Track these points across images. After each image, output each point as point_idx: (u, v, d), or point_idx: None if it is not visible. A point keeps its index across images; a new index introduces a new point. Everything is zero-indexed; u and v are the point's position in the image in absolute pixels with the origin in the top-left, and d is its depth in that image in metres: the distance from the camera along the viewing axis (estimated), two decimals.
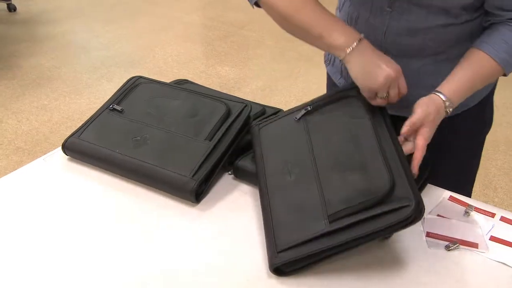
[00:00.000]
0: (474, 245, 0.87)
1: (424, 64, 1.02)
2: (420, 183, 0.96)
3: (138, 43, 3.93)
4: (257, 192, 0.98)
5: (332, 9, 1.13)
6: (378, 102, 0.91)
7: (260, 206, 0.92)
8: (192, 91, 1.12)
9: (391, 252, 0.85)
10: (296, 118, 0.99)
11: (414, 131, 0.90)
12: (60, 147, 1.07)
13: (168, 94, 1.11)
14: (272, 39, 3.94)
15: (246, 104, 1.07)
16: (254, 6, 1.01)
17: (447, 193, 0.99)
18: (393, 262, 0.83)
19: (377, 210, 0.76)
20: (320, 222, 0.79)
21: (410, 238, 0.88)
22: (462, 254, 0.85)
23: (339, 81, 1.19)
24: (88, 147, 1.04)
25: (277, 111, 1.16)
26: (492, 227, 0.91)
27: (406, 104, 1.12)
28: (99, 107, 1.12)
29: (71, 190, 0.99)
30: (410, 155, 0.98)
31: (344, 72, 1.14)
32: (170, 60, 3.66)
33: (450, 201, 0.97)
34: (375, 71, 0.88)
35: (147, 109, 1.08)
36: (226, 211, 0.94)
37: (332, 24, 0.91)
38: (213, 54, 3.79)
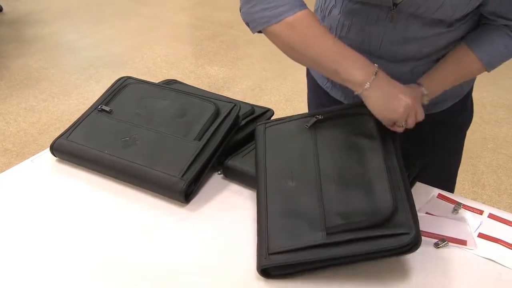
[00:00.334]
0: (462, 242, 0.87)
1: (417, 66, 1.03)
2: (409, 181, 0.96)
3: (126, 44, 3.91)
4: (247, 192, 0.98)
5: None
6: (396, 129, 0.91)
7: (250, 206, 0.92)
8: (180, 91, 1.11)
9: None
10: (306, 126, 0.98)
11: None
12: (48, 149, 1.06)
13: (157, 95, 1.11)
14: (261, 39, 3.93)
15: (235, 103, 1.07)
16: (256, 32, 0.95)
17: (436, 191, 1.00)
18: (381, 260, 0.83)
19: (376, 232, 0.76)
20: (317, 232, 0.79)
21: None
22: (451, 251, 0.86)
23: (326, 86, 1.18)
24: (76, 148, 1.03)
25: (267, 110, 1.16)
26: (480, 224, 0.92)
27: None
28: (87, 108, 1.11)
29: (60, 191, 0.98)
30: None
31: None
32: (159, 60, 3.65)
33: (438, 199, 0.98)
34: (393, 104, 0.87)
35: (136, 110, 1.08)
36: (216, 211, 0.94)
37: (347, 58, 0.88)
38: (202, 54, 3.78)
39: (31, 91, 3.17)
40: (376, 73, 0.87)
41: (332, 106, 1.03)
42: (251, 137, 1.08)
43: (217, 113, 1.05)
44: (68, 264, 0.82)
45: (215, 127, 1.02)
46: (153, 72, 3.46)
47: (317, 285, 0.78)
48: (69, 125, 1.08)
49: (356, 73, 0.87)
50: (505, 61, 1.00)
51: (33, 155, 1.09)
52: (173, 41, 4.00)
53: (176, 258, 0.83)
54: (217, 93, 1.19)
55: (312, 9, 1.13)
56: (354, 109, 0.97)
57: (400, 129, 0.91)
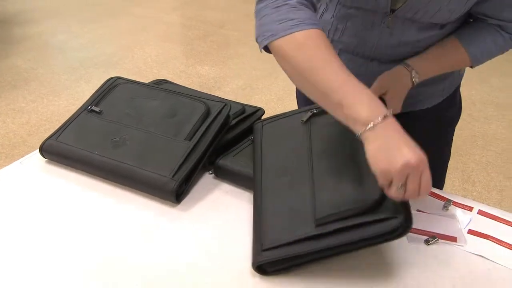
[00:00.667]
0: (452, 238, 0.88)
1: None
2: None
3: (117, 44, 3.89)
4: (238, 191, 0.98)
5: None
6: (392, 193, 0.74)
7: (241, 205, 0.92)
8: (171, 91, 1.11)
9: (371, 248, 0.86)
10: (302, 120, 0.99)
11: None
12: (38, 150, 1.05)
13: (147, 95, 1.11)
14: (252, 38, 3.94)
15: (225, 103, 1.07)
16: (263, 50, 0.87)
17: None
18: (373, 257, 0.84)
19: (364, 219, 0.76)
20: (308, 225, 0.79)
21: None
22: (441, 248, 0.86)
23: None
24: (66, 149, 1.02)
25: (257, 110, 1.16)
26: (470, 221, 0.92)
27: None
28: (77, 109, 1.11)
29: (50, 193, 0.98)
30: None
31: None
32: (149, 60, 3.64)
33: (429, 196, 0.99)
34: (393, 154, 0.71)
35: (126, 110, 1.08)
36: (207, 211, 0.94)
37: (356, 92, 0.75)
38: (193, 54, 3.78)
39: (20, 92, 3.14)
40: (385, 116, 0.73)
41: None
42: (242, 136, 1.08)
43: (207, 113, 1.05)
44: (59, 265, 0.81)
45: (205, 126, 1.02)
46: (144, 72, 3.45)
47: (311, 281, 0.79)
48: (58, 126, 1.08)
49: (363, 109, 0.74)
50: (492, 58, 1.01)
51: (23, 156, 1.08)
52: (164, 41, 3.99)
53: (168, 258, 0.83)
54: (208, 92, 1.19)
55: None
56: None
57: (397, 196, 0.73)
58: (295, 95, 1.34)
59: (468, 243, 0.87)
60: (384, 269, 0.82)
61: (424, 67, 0.97)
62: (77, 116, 1.09)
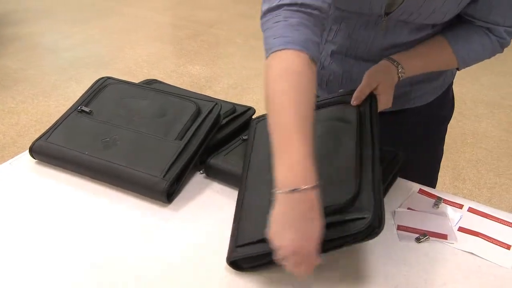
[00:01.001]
0: (443, 236, 0.88)
1: None
2: (390, 177, 0.97)
3: (107, 44, 3.88)
4: (229, 191, 0.98)
5: None
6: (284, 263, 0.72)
7: (233, 205, 0.92)
8: (161, 91, 1.11)
9: (362, 245, 0.86)
10: None
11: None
12: (28, 151, 1.05)
13: (137, 95, 1.10)
14: (242, 38, 3.94)
15: (216, 102, 1.07)
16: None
17: (417, 186, 1.01)
18: (364, 255, 0.84)
19: (333, 219, 0.74)
20: None
21: (382, 231, 0.89)
22: (432, 246, 0.87)
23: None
24: (56, 149, 1.02)
25: (248, 109, 1.16)
26: (460, 218, 0.93)
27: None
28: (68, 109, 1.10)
29: (40, 194, 0.97)
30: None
31: (317, 76, 1.15)
32: (140, 60, 3.63)
33: (419, 194, 0.99)
34: (280, 231, 0.69)
35: (116, 110, 1.07)
36: (199, 210, 0.94)
37: (289, 152, 0.69)
38: (183, 54, 3.77)
39: (10, 92, 3.12)
40: (295, 190, 0.67)
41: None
42: (232, 135, 1.08)
43: (198, 113, 1.04)
44: (50, 266, 0.81)
45: (196, 126, 1.02)
46: (135, 72, 3.44)
47: (302, 279, 0.79)
48: (48, 127, 1.07)
49: (281, 171, 0.69)
50: (479, 61, 1.01)
51: (12, 157, 1.08)
52: (155, 40, 3.97)
53: (159, 257, 0.83)
54: (199, 92, 1.19)
55: None
56: (339, 97, 0.98)
57: (287, 267, 0.71)
58: None
59: (459, 240, 0.88)
60: (375, 267, 0.82)
61: (410, 64, 0.97)
62: (67, 117, 1.08)
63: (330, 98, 0.99)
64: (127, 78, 1.22)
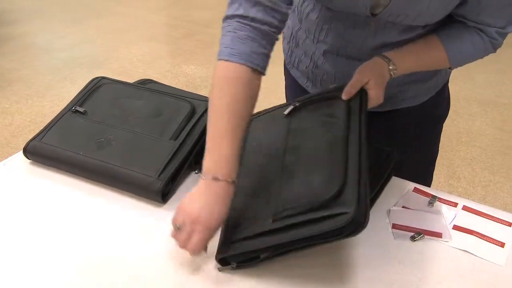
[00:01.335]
0: (438, 234, 0.89)
1: None
2: (384, 176, 0.98)
3: (102, 44, 3.87)
4: None
5: None
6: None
7: None
8: (155, 91, 1.11)
9: (358, 244, 0.86)
10: (284, 114, 0.98)
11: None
12: (21, 151, 1.04)
13: (132, 94, 1.10)
14: None
15: None
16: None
17: (412, 185, 1.01)
18: (360, 253, 0.84)
19: (316, 214, 0.73)
20: (267, 220, 0.78)
21: (376, 230, 0.89)
22: (427, 244, 0.87)
23: (306, 85, 1.19)
24: (50, 150, 1.01)
25: None
26: (455, 217, 0.93)
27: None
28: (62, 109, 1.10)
29: (34, 194, 0.97)
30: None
31: (311, 75, 1.15)
32: (135, 60, 3.62)
33: (414, 193, 0.99)
34: (186, 203, 0.80)
35: (111, 110, 1.07)
36: None
37: (216, 147, 0.81)
38: (179, 53, 3.76)
39: (4, 92, 3.11)
40: (215, 178, 0.79)
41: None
42: None
43: (192, 112, 1.04)
44: (45, 266, 0.81)
45: (191, 126, 1.02)
46: (130, 72, 3.43)
47: (297, 276, 0.79)
48: (43, 127, 1.07)
49: (208, 161, 0.81)
50: (472, 60, 1.01)
51: (6, 158, 1.07)
52: (150, 40, 3.97)
53: (155, 257, 0.83)
54: (194, 92, 1.19)
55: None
56: (329, 93, 0.97)
57: (179, 237, 0.79)
58: (283, 93, 1.34)
59: (453, 238, 0.88)
60: (370, 265, 0.82)
61: (402, 61, 0.97)
62: (61, 117, 1.08)
63: (321, 94, 0.99)
64: (121, 78, 1.22)
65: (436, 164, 1.29)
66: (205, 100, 1.08)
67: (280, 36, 0.92)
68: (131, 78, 3.20)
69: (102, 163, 0.97)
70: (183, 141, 0.99)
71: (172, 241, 0.86)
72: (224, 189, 0.79)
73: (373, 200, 0.94)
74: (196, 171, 1.03)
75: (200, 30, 4.19)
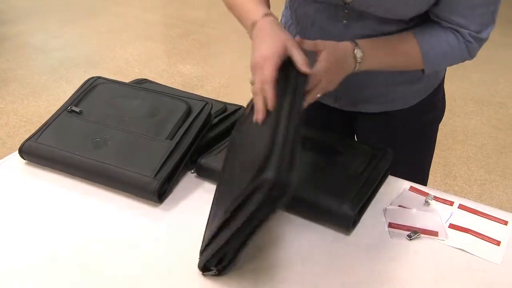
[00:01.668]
0: (434, 233, 0.89)
1: None
2: (380, 175, 0.98)
3: (97, 43, 3.86)
4: None
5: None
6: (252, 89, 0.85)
7: None
8: (151, 91, 1.11)
9: (354, 243, 0.86)
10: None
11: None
12: (17, 152, 1.04)
13: (128, 94, 1.10)
14: (234, 36, 3.94)
15: (206, 102, 1.07)
16: None
17: (408, 184, 1.01)
18: (356, 253, 0.84)
19: (247, 191, 0.68)
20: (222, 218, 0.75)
21: (373, 229, 0.89)
22: (423, 243, 0.87)
23: None
24: (46, 150, 1.01)
25: (239, 108, 1.16)
26: (451, 215, 0.93)
27: (363, 99, 1.14)
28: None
29: (30, 195, 0.96)
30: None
31: None
32: (131, 59, 3.61)
33: (410, 192, 0.99)
34: (252, 55, 0.85)
35: (107, 110, 1.07)
36: (190, 210, 0.94)
37: (247, 6, 0.92)
38: (175, 53, 3.76)
39: None
40: (265, 15, 0.88)
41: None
42: (223, 135, 1.08)
43: (188, 112, 1.04)
44: (40, 266, 0.80)
45: (187, 125, 1.02)
46: (125, 71, 3.43)
47: (290, 271, 0.79)
48: (38, 127, 1.06)
49: (248, 18, 0.91)
50: (446, 63, 0.99)
51: (1, 158, 1.07)
52: (145, 40, 3.96)
53: (152, 257, 0.83)
54: (190, 91, 1.19)
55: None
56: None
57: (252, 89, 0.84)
58: None
59: (449, 237, 0.88)
60: (366, 264, 0.82)
61: (370, 48, 0.93)
62: (57, 117, 1.08)
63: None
64: (118, 77, 1.22)
65: (432, 163, 1.29)
66: (201, 99, 1.08)
67: None
68: (127, 77, 3.19)
69: (98, 163, 0.97)
70: (179, 140, 0.99)
71: (170, 241, 0.86)
72: (270, 18, 0.87)
73: (369, 199, 0.95)
74: (192, 171, 1.03)
75: (196, 29, 4.18)
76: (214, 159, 1.00)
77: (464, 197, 0.99)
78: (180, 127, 1.02)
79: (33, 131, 1.06)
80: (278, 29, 0.86)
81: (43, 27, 4.13)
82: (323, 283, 0.79)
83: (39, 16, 4.34)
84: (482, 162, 2.60)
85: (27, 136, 1.04)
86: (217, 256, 0.77)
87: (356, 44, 0.92)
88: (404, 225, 0.90)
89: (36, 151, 1.02)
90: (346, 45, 0.92)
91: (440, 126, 1.24)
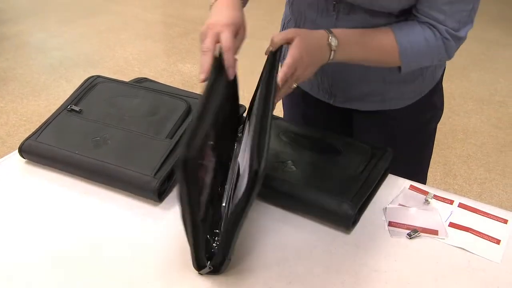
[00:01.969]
0: (434, 232, 0.89)
1: None
2: (380, 173, 0.98)
3: (97, 42, 3.85)
4: None
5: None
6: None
7: None
8: (151, 89, 1.11)
9: (354, 243, 0.86)
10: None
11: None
12: (17, 151, 1.04)
13: (127, 93, 1.10)
14: None
15: None
16: None
17: (408, 183, 1.01)
18: (356, 252, 0.85)
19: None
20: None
21: (373, 228, 0.90)
22: (423, 241, 0.87)
23: None
24: (46, 149, 1.01)
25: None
26: (451, 214, 0.93)
27: (359, 97, 1.14)
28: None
29: (30, 193, 0.96)
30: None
31: None
32: (130, 58, 3.61)
33: (410, 190, 0.99)
34: (208, 19, 0.93)
35: (106, 109, 1.07)
36: None
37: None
38: (174, 52, 3.76)
39: None
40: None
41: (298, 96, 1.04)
42: None
43: (188, 111, 1.04)
44: (40, 266, 0.80)
45: (187, 124, 1.02)
46: (125, 70, 3.42)
47: (291, 269, 0.79)
48: (38, 126, 1.06)
49: None
50: (423, 60, 0.99)
51: (1, 157, 1.07)
52: (145, 39, 3.96)
53: (151, 256, 0.83)
54: (190, 90, 1.18)
55: None
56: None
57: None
58: None
59: (449, 236, 0.88)
60: (367, 262, 0.82)
61: (344, 36, 0.92)
62: (56, 116, 1.07)
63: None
64: (117, 76, 1.22)
65: (432, 162, 1.29)
66: None
67: None
68: (126, 76, 3.19)
69: (98, 162, 0.97)
70: (179, 139, 0.99)
71: (170, 240, 0.86)
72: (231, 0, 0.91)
73: (369, 198, 0.95)
74: None
75: (196, 28, 4.18)
76: None
77: (464, 195, 0.99)
78: (180, 126, 1.02)
79: (33, 130, 1.06)
80: (233, 8, 0.92)
81: (42, 26, 4.13)
82: (323, 282, 0.79)
83: (38, 15, 4.34)
84: (482, 161, 2.60)
85: (27, 135, 1.04)
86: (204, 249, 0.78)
87: (331, 32, 0.91)
88: (404, 224, 0.90)
89: (36, 150, 1.02)
90: (321, 32, 0.91)
91: (440, 125, 1.24)
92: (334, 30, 0.92)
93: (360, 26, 0.97)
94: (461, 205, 0.96)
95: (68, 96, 1.12)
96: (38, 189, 0.98)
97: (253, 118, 0.79)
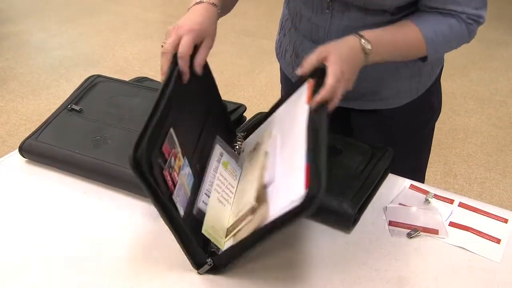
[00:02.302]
0: (434, 231, 0.89)
1: None
2: (381, 173, 0.98)
3: (97, 42, 3.85)
4: None
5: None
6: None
7: None
8: (151, 89, 1.11)
9: (354, 242, 0.86)
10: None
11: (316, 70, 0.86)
12: (17, 150, 1.04)
13: (127, 92, 1.10)
14: (233, 35, 3.93)
15: None
16: None
17: (408, 182, 1.01)
18: (356, 251, 0.85)
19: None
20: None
21: (373, 227, 0.90)
22: (423, 241, 0.87)
23: (292, 75, 1.20)
24: (46, 148, 1.01)
25: (239, 106, 1.16)
26: (451, 213, 0.93)
27: (356, 96, 1.14)
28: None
29: (30, 193, 0.96)
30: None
31: (294, 64, 1.16)
32: (131, 58, 3.61)
33: (410, 190, 0.99)
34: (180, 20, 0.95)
35: (107, 108, 1.07)
36: None
37: None
38: None
39: None
40: (202, 2, 0.97)
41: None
42: None
43: None
44: (40, 265, 0.80)
45: None
46: (125, 70, 3.42)
47: (292, 267, 0.79)
48: (38, 125, 1.06)
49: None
50: (449, 46, 0.98)
51: (2, 157, 1.07)
52: (145, 38, 3.96)
53: (151, 255, 0.83)
54: None
55: None
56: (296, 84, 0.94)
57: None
58: (279, 90, 1.34)
59: (450, 235, 0.88)
60: (367, 262, 0.82)
61: (375, 36, 0.91)
62: (57, 115, 1.08)
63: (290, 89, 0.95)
64: (118, 76, 1.22)
65: (432, 161, 1.29)
66: None
67: None
68: (127, 76, 3.19)
69: (98, 161, 0.97)
70: None
71: (170, 240, 0.86)
72: (206, 7, 0.94)
73: (369, 198, 0.95)
74: None
75: None
76: None
77: (464, 195, 0.99)
78: None
79: (33, 129, 1.06)
80: (205, 16, 0.95)
81: (42, 26, 4.12)
82: (323, 282, 0.79)
83: (38, 15, 4.34)
84: (482, 160, 2.60)
85: (27, 135, 1.04)
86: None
87: (362, 36, 0.89)
88: (404, 223, 0.90)
89: (36, 150, 1.02)
90: (351, 38, 0.89)
91: (440, 124, 1.24)
92: (364, 33, 0.90)
93: (354, 24, 0.98)
94: (461, 205, 0.96)
95: (68, 96, 1.12)
96: (38, 188, 0.98)
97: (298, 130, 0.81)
